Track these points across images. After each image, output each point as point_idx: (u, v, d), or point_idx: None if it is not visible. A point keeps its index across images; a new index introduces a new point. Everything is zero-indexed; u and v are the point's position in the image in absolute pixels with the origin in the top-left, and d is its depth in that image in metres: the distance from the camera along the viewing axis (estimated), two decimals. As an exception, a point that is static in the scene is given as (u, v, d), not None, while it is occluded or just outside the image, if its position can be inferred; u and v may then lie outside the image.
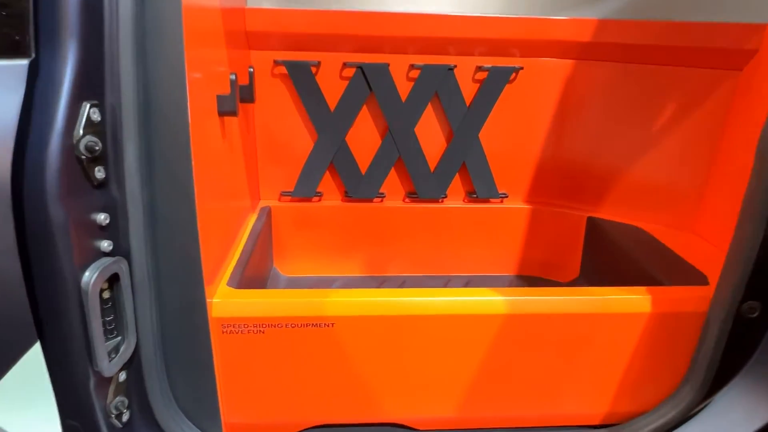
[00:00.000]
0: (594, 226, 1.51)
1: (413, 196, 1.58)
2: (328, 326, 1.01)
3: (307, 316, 1.00)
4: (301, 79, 1.43)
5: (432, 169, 1.56)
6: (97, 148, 0.74)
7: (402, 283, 1.59)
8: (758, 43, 1.22)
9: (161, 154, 0.84)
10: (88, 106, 0.74)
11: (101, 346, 0.79)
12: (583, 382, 1.06)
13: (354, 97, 1.46)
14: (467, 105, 1.49)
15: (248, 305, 1.00)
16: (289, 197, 1.57)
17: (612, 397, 1.08)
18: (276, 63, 1.42)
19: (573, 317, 1.01)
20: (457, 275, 1.64)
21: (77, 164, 0.73)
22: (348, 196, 1.57)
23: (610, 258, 1.44)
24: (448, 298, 1.01)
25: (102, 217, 0.78)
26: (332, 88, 1.47)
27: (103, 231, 0.80)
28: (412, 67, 1.45)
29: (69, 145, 0.71)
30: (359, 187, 1.55)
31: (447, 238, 1.61)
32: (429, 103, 1.48)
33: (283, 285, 1.57)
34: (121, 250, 0.83)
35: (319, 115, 1.47)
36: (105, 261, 0.80)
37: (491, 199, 1.59)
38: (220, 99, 1.06)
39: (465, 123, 1.50)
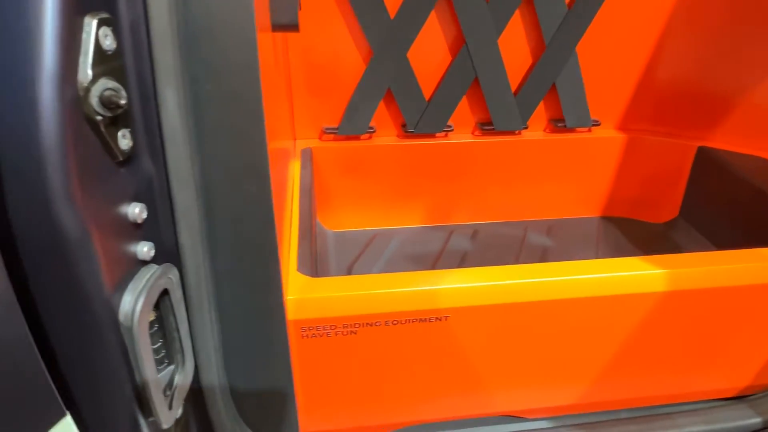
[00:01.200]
0: (705, 157, 1.26)
1: (487, 127, 1.27)
2: (440, 320, 0.76)
3: (416, 310, 0.75)
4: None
5: (514, 93, 1.24)
6: (119, 99, 0.42)
7: (473, 233, 1.33)
8: None
9: (219, 100, 0.52)
10: (95, 22, 0.41)
11: (158, 394, 0.51)
12: (719, 356, 0.87)
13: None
14: (567, 5, 1.15)
15: (336, 302, 0.73)
16: (333, 135, 1.23)
17: (752, 369, 0.90)
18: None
19: (714, 291, 0.80)
20: (535, 220, 1.39)
21: (90, 131, 0.42)
22: (407, 130, 1.25)
23: (724, 195, 1.20)
24: (577, 276, 0.78)
25: (136, 211, 0.48)
26: (392, -15, 1.09)
27: (139, 229, 0.50)
28: (499, -47, 1.08)
29: (72, 98, 0.39)
30: (422, 118, 1.23)
31: (524, 177, 1.34)
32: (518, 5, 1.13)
33: (331, 243, 1.29)
34: (165, 253, 0.54)
35: (375, 24, 1.11)
36: (148, 273, 0.50)
37: (579, 128, 1.30)
38: (277, 5, 0.71)
39: (562, 31, 1.16)
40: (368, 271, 1.18)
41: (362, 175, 1.27)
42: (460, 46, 1.17)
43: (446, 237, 1.31)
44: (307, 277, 0.77)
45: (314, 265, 0.84)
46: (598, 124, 1.31)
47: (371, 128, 1.24)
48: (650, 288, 0.80)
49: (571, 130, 1.30)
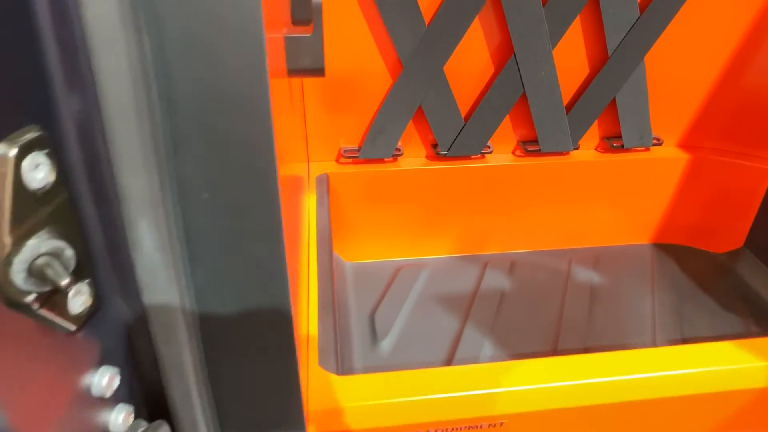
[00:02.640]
0: (783, 184, 1.09)
1: (531, 148, 1.09)
2: (493, 426, 0.63)
3: (465, 418, 0.62)
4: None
5: (567, 111, 1.05)
6: (57, 278, 0.26)
7: (510, 265, 1.18)
8: None
9: (225, 213, 0.36)
10: (12, 154, 0.25)
11: None
12: None
13: (462, 2, 0.89)
14: (639, 11, 0.95)
15: (368, 412, 0.59)
16: (353, 159, 1.06)
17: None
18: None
19: None
20: (580, 248, 1.22)
21: (14, 318, 0.26)
22: (439, 153, 1.07)
23: None
24: (665, 373, 0.64)
25: (104, 381, 0.34)
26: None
27: (111, 397, 0.35)
28: (561, -56, 0.87)
29: None
30: (458, 140, 1.05)
31: (570, 202, 1.17)
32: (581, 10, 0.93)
33: (351, 278, 1.14)
34: (150, 406, 0.40)
35: (407, 32, 0.91)
36: None
37: (636, 148, 1.12)
38: (298, 48, 0.54)
39: (629, 40, 0.96)
40: (393, 318, 1.03)
41: (386, 202, 1.11)
42: (506, 56, 0.97)
43: (480, 270, 1.16)
44: (332, 374, 0.62)
45: (338, 354, 0.69)
46: (660, 143, 1.13)
47: (398, 150, 1.06)
48: (753, 383, 0.65)
49: (628, 149, 1.12)
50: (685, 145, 1.16)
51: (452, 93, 0.99)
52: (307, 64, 0.56)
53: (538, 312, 1.06)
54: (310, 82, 0.97)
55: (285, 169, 0.47)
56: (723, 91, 1.08)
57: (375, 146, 1.04)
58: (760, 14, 0.98)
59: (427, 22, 0.92)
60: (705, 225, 1.20)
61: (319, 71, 0.58)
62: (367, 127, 1.04)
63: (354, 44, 0.94)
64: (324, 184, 1.02)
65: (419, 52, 0.93)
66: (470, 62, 0.98)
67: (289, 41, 0.56)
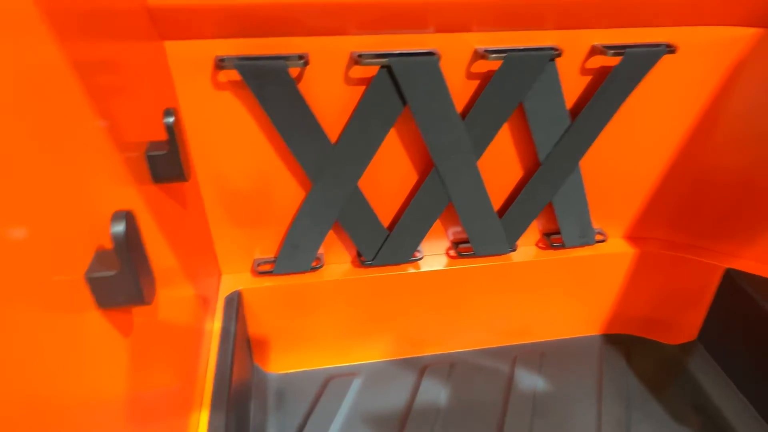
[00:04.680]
0: (732, 282, 1.01)
1: (466, 252, 1.01)
2: None
3: None
4: (273, 91, 0.74)
5: (500, 216, 0.97)
6: None
7: (450, 367, 1.09)
8: None
9: None
10: None
11: None
12: None
13: (375, 118, 0.80)
14: (570, 118, 0.86)
15: None
16: (270, 273, 0.96)
17: None
18: (220, 63, 0.71)
19: None
20: (525, 344, 1.14)
21: None
22: (365, 263, 0.98)
23: (749, 324, 0.97)
24: None
25: None
26: (333, 102, 0.79)
27: None
28: (479, 55, 0.78)
29: None
30: (382, 250, 0.96)
31: (513, 299, 1.08)
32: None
33: (272, 393, 1.04)
34: None
35: (312, 153, 0.82)
36: None
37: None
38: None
39: (562, 145, 0.88)
40: (318, 447, 0.94)
41: (310, 313, 1.01)
42: (429, 165, 0.88)
43: (417, 378, 1.07)
44: None
45: None
46: (605, 239, 1.05)
47: (318, 260, 0.97)
48: None
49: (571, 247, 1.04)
50: (632, 236, 1.08)
51: (370, 207, 0.90)
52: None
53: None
54: (212, 195, 0.87)
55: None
56: (667, 183, 1.00)
57: (291, 260, 0.94)
58: (704, 107, 0.90)
59: (333, 140, 0.82)
60: (657, 316, 1.13)
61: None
62: (281, 239, 0.94)
63: (258, 159, 0.83)
64: (234, 303, 0.92)
65: (328, 171, 0.83)
66: (390, 173, 0.89)
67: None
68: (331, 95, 0.78)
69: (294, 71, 0.74)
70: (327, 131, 0.80)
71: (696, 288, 1.07)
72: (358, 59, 0.74)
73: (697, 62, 0.85)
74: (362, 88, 0.78)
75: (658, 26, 0.80)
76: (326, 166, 0.82)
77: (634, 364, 1.11)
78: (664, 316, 1.12)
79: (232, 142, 0.80)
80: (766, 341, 0.95)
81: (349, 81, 0.78)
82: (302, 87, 0.76)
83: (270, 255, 0.97)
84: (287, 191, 0.88)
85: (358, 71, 0.77)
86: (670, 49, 0.80)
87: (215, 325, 0.88)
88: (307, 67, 0.74)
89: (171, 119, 0.59)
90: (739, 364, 1.03)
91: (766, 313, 0.95)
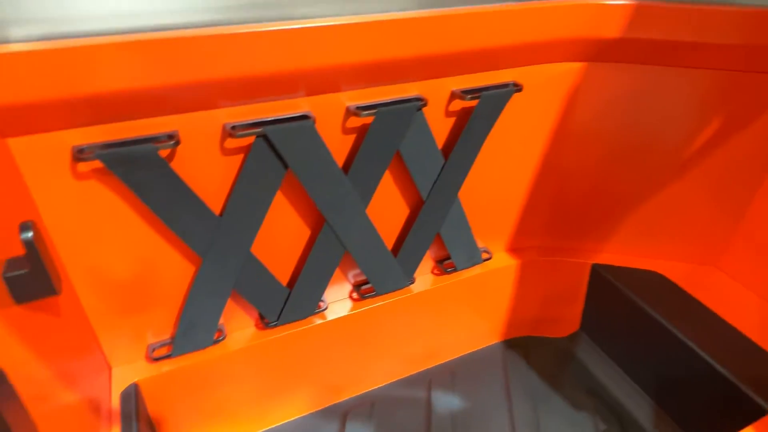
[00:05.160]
0: (598, 275, 1.16)
1: (368, 294, 1.03)
2: None
3: None
4: (144, 176, 0.69)
5: (395, 254, 1.00)
6: None
7: (371, 406, 1.10)
8: None
9: None
10: None
11: None
12: None
13: (258, 185, 0.78)
14: (444, 157, 0.92)
15: None
16: (168, 357, 0.89)
17: None
18: (79, 154, 0.65)
19: None
20: (438, 366, 1.19)
21: None
22: (268, 325, 0.95)
23: (619, 310, 1.12)
24: None
25: None
26: (212, 174, 0.76)
27: None
28: (351, 112, 0.80)
29: None
30: (285, 308, 0.94)
31: (419, 328, 1.12)
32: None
33: (192, 481, 0.97)
34: None
35: (197, 229, 0.78)
36: None
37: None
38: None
39: (440, 182, 0.94)
40: None
41: (218, 389, 0.96)
42: (320, 224, 0.89)
43: (340, 426, 1.06)
44: None
45: None
46: (490, 258, 1.14)
47: (219, 332, 0.92)
48: None
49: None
50: (513, 248, 1.18)
51: (267, 270, 0.88)
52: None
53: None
54: (89, 291, 0.79)
55: None
56: (534, 197, 1.11)
57: (189, 339, 0.88)
58: (553, 128, 1.02)
59: (218, 212, 0.79)
60: (545, 315, 1.25)
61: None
62: (175, 319, 0.88)
63: (138, 244, 0.77)
64: (132, 398, 0.85)
65: (217, 244, 0.80)
66: (282, 233, 0.88)
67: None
68: (209, 169, 0.76)
69: (164, 153, 0.70)
70: (210, 204, 0.77)
71: (572, 285, 1.20)
72: (231, 132, 0.72)
73: (542, 93, 0.96)
74: (241, 156, 0.77)
75: (505, 68, 0.89)
76: (214, 239, 0.79)
77: (533, 362, 1.22)
78: (551, 313, 1.24)
79: (105, 233, 0.74)
80: (632, 322, 1.10)
81: (226, 152, 0.76)
82: (176, 165, 0.72)
83: (165, 337, 0.90)
84: (175, 270, 0.83)
85: (234, 142, 0.75)
86: (517, 87, 0.89)
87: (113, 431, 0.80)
88: (179, 146, 0.71)
89: (29, 234, 0.53)
90: (616, 345, 1.17)
91: (628, 298, 1.09)
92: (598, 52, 0.91)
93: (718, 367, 0.93)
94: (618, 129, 1.01)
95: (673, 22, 0.86)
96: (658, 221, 1.12)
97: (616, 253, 1.18)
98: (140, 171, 0.68)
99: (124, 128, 0.68)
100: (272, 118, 0.75)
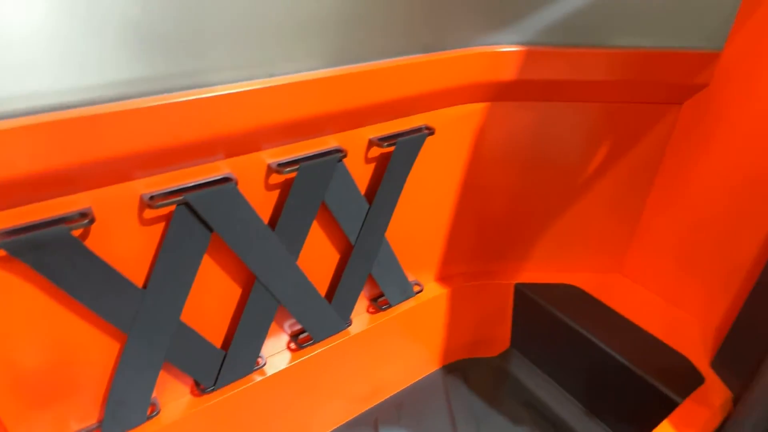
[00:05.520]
0: (521, 294, 1.24)
1: (306, 343, 1.02)
2: None
3: None
4: (56, 260, 0.65)
5: (330, 300, 1.01)
6: None
7: (319, 454, 1.09)
8: (709, 77, 0.99)
9: None
10: None
11: None
12: None
13: (182, 252, 0.76)
14: (368, 202, 0.95)
15: None
16: (95, 440, 0.83)
17: None
18: (-24, 246, 0.61)
19: None
20: (385, 400, 1.20)
21: None
22: (206, 390, 0.92)
23: (543, 324, 1.20)
24: None
25: None
26: (132, 247, 0.73)
27: None
28: (273, 170, 0.81)
29: None
30: (222, 371, 0.91)
31: (361, 367, 1.13)
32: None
33: None
34: None
35: (119, 305, 0.74)
36: None
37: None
38: None
39: (367, 226, 0.96)
40: None
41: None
42: (251, 281, 0.88)
43: (290, 480, 1.04)
44: None
45: None
46: (421, 290, 1.18)
47: (152, 406, 0.87)
48: None
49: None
50: (442, 277, 1.23)
51: (199, 335, 0.85)
52: None
53: None
54: (-2, 384, 0.72)
55: None
56: (457, 227, 1.17)
57: (120, 420, 0.83)
58: (467, 161, 1.08)
59: (140, 284, 0.76)
60: (478, 337, 1.31)
61: None
62: (101, 401, 0.83)
63: (52, 328, 0.72)
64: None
65: (142, 317, 0.76)
66: (213, 296, 0.86)
67: None
68: (128, 242, 0.73)
69: (77, 233, 0.67)
70: (132, 277, 0.74)
71: (499, 305, 1.27)
72: (150, 202, 0.70)
73: (452, 133, 1.02)
74: (162, 224, 0.74)
75: (417, 113, 0.94)
76: (139, 313, 0.76)
77: (471, 383, 1.27)
78: (483, 334, 1.30)
79: (12, 322, 0.68)
80: (556, 334, 1.18)
81: (146, 222, 0.73)
82: (92, 243, 0.69)
83: (92, 421, 0.84)
84: (98, 349, 0.78)
85: (151, 213, 0.73)
86: (429, 131, 0.95)
87: None
88: (93, 225, 0.68)
89: None
90: (545, 358, 1.25)
91: (549, 312, 1.18)
92: (498, 92, 0.99)
93: (632, 367, 1.03)
94: (523, 158, 1.10)
95: (555, 64, 0.96)
96: (566, 237, 1.22)
97: (535, 271, 1.26)
98: (52, 255, 0.64)
99: (30, 211, 0.64)
100: (192, 184, 0.74)
